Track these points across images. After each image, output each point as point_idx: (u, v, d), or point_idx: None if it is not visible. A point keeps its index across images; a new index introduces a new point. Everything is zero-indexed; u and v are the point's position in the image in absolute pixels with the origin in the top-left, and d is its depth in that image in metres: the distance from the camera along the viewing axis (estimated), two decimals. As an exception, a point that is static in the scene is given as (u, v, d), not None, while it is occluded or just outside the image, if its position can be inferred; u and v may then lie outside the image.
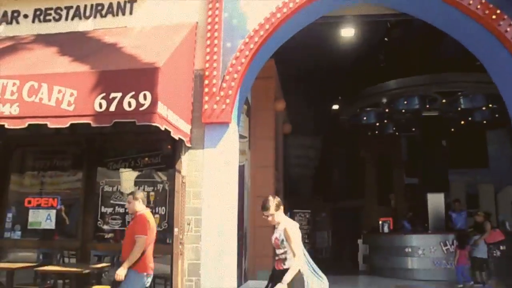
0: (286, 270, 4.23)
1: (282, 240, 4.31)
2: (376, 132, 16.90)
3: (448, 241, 10.21)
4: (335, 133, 16.92)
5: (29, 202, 7.35)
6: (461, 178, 16.23)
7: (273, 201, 4.44)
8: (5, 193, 7.49)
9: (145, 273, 5.03)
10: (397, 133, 17.34)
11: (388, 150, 18.41)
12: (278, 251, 4.37)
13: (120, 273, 4.86)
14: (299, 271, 4.25)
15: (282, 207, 4.50)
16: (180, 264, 6.21)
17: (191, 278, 6.21)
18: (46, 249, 7.06)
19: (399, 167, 18.56)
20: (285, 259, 4.31)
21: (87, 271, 5.78)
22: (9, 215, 7.45)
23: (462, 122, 15.39)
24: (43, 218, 7.26)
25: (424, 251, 10.69)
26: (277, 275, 4.31)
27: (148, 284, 5.19)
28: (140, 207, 5.27)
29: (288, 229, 4.31)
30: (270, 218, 4.42)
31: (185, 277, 6.24)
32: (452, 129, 16.13)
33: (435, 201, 11.86)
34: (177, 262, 6.20)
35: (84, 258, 6.85)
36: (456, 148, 16.86)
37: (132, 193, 5.38)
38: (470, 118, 15.08)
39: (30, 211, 7.31)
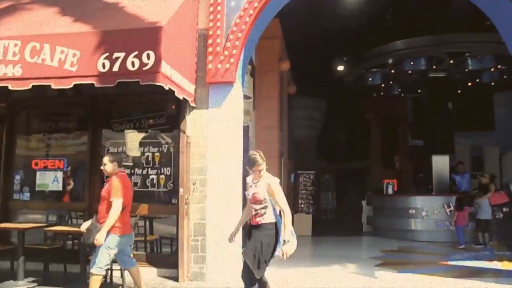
0: (263, 224, 4.31)
1: (265, 195, 4.32)
2: (382, 93, 16.76)
3: (451, 203, 10.25)
4: (340, 94, 16.82)
5: (36, 164, 7.45)
6: (467, 140, 16.18)
7: (261, 156, 4.40)
8: (12, 155, 7.58)
9: (121, 234, 5.02)
10: (402, 95, 17.20)
11: (393, 111, 18.30)
12: (257, 206, 4.37)
13: (99, 238, 4.83)
14: (276, 224, 4.33)
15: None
16: (186, 224, 6.31)
17: (196, 238, 6.32)
18: (54, 210, 7.17)
19: (404, 128, 18.50)
20: (264, 213, 4.34)
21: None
22: (17, 177, 7.57)
23: (470, 84, 15.20)
24: (50, 180, 7.36)
25: (428, 213, 10.77)
26: (253, 230, 4.39)
27: (131, 242, 5.24)
28: (116, 169, 5.21)
29: (272, 184, 4.34)
30: (261, 173, 4.39)
31: (191, 237, 6.36)
32: (459, 91, 15.96)
33: (440, 163, 11.86)
34: (182, 223, 6.29)
35: (91, 218, 6.96)
36: (462, 110, 16.73)
37: (108, 155, 5.32)
38: (477, 80, 14.88)
39: (37, 173, 7.42)
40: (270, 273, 6.87)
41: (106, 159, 5.20)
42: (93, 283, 4.92)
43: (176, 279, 6.27)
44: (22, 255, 5.99)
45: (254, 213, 4.42)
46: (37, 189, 7.42)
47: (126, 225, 5.10)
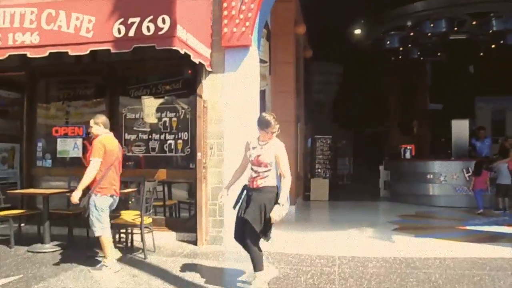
0: (266, 187, 4.27)
1: (271, 160, 4.27)
2: (400, 57, 16.39)
3: (470, 168, 10.13)
4: (358, 58, 16.50)
5: (56, 131, 7.59)
6: (488, 105, 15.84)
7: (274, 118, 4.34)
8: (33, 123, 7.73)
9: (108, 195, 5.11)
10: (422, 58, 16.77)
11: (412, 75, 17.95)
12: (260, 169, 4.30)
13: (74, 195, 4.97)
14: (277, 187, 4.29)
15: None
16: (204, 189, 6.39)
17: (214, 202, 6.39)
18: (76, 176, 7.29)
19: (423, 93, 18.17)
20: (267, 176, 4.29)
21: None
22: (39, 144, 7.73)
23: (493, 46, 14.70)
24: (70, 146, 7.50)
25: (446, 178, 10.69)
26: (253, 193, 4.32)
27: (114, 205, 5.31)
28: (101, 131, 5.28)
29: (279, 149, 4.29)
30: (275, 134, 4.33)
31: (208, 201, 6.44)
32: (481, 54, 15.49)
33: (460, 127, 11.67)
34: (200, 187, 6.37)
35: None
36: (484, 73, 16.28)
37: (93, 118, 5.36)
38: (502, 41, 14.37)
39: (58, 140, 7.56)
40: (289, 237, 7.03)
41: (91, 122, 5.32)
42: (105, 244, 5.07)
43: (194, 243, 6.40)
44: (47, 219, 6.18)
45: (254, 175, 4.36)
46: (58, 156, 7.58)
47: (112, 186, 5.18)
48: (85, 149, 7.17)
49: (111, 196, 5.16)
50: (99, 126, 5.29)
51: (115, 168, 5.25)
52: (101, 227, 5.05)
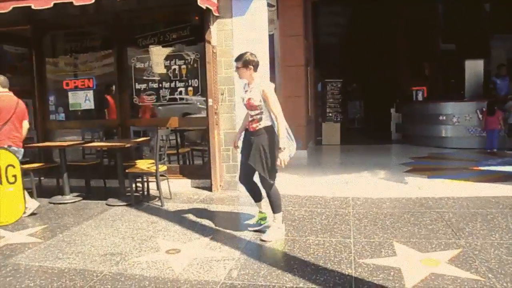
0: (261, 129, 4.25)
1: (260, 101, 4.21)
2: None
3: (484, 109, 10.00)
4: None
5: (67, 84, 7.59)
6: (503, 44, 15.34)
7: (250, 56, 4.30)
8: (43, 77, 7.72)
9: (5, 146, 5.36)
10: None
11: (422, 14, 17.37)
12: (253, 112, 4.29)
13: None
14: (273, 129, 4.24)
15: (258, 68, 4.35)
16: (216, 135, 6.42)
17: (227, 147, 6.45)
18: (89, 128, 7.39)
19: (435, 32, 17.64)
20: (261, 119, 4.26)
21: (128, 145, 6.06)
22: (51, 98, 7.77)
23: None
24: (82, 99, 7.53)
25: (459, 119, 10.57)
26: (252, 138, 4.31)
27: (19, 156, 5.48)
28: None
29: (265, 89, 4.19)
30: (241, 71, 4.31)
31: (222, 147, 6.49)
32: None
33: (473, 67, 11.40)
34: (213, 133, 6.40)
35: (124, 134, 7.18)
36: (500, 11, 15.67)
37: None
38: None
39: (69, 93, 7.59)
40: (302, 181, 7.12)
41: None
42: None
43: (209, 189, 6.52)
44: (65, 171, 6.31)
45: (250, 119, 4.35)
46: (70, 109, 7.62)
47: (9, 139, 5.48)
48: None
49: (9, 146, 5.42)
50: None
51: (12, 123, 5.53)
52: None
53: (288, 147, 4.15)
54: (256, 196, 4.63)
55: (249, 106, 4.28)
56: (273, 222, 4.41)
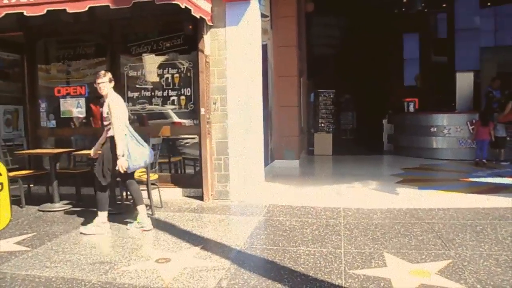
0: (108, 138, 4.94)
1: (107, 113, 4.83)
2: (403, 9, 16.01)
3: (474, 120, 10.11)
4: (360, 11, 16.14)
5: (59, 91, 7.56)
6: (493, 57, 15.53)
7: (106, 73, 4.96)
8: (35, 84, 7.69)
9: None
10: (426, 10, 16.40)
11: (416, 27, 17.62)
12: (105, 123, 4.94)
13: None
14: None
15: (113, 83, 4.99)
16: (208, 144, 6.41)
17: (219, 157, 6.45)
18: (80, 136, 7.34)
19: (427, 45, 17.86)
20: (109, 129, 4.90)
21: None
22: (43, 105, 7.72)
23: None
24: (73, 106, 7.48)
25: (450, 131, 10.67)
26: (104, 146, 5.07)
27: None
28: None
29: (110, 103, 4.82)
30: (100, 86, 4.90)
31: (213, 156, 6.48)
32: (488, 4, 15.09)
33: (464, 80, 11.53)
34: (205, 142, 6.39)
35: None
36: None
37: None
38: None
39: (61, 100, 7.54)
40: (293, 191, 7.12)
41: None
42: None
43: (200, 198, 6.49)
44: (55, 179, 6.25)
45: (106, 128, 5.00)
46: (62, 116, 7.57)
47: None
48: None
49: None
50: None
51: None
52: None
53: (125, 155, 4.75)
54: (133, 201, 5.19)
55: (103, 118, 4.95)
56: (97, 219, 4.98)
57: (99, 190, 5.00)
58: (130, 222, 5.21)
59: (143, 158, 4.96)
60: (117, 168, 4.79)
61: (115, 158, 4.78)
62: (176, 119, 7.09)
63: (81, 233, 4.92)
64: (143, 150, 4.95)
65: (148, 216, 5.62)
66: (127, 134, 4.84)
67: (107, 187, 5.03)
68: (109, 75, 4.96)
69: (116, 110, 4.80)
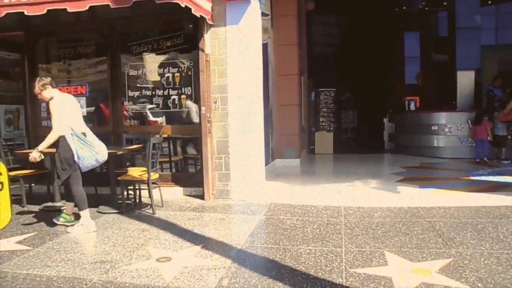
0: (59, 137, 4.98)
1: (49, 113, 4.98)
2: (404, 8, 16.00)
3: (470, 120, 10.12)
4: (361, 10, 16.13)
5: (60, 91, 7.50)
6: (494, 55, 15.51)
7: (41, 80, 5.04)
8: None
9: None
10: (426, 8, 16.38)
11: (416, 26, 17.59)
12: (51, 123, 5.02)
13: None
14: (65, 140, 4.90)
15: (49, 86, 5.03)
16: (209, 143, 6.41)
17: (220, 156, 6.45)
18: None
19: (428, 44, 17.83)
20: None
21: (120, 152, 6.03)
22: (43, 104, 7.69)
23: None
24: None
25: (451, 129, 10.66)
26: None
27: None
28: None
29: (50, 103, 4.93)
30: (40, 97, 5.10)
31: (214, 155, 6.48)
32: (489, 2, 15.06)
33: (465, 78, 11.53)
34: (206, 141, 6.39)
35: (116, 142, 7.15)
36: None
37: None
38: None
39: (62, 99, 7.50)
40: (294, 190, 7.13)
41: None
42: None
43: (201, 197, 6.49)
44: (56, 178, 6.24)
45: None
46: (63, 115, 7.56)
47: None
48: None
49: None
50: None
51: None
52: None
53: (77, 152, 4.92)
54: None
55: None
56: (81, 219, 5.09)
57: (73, 189, 5.10)
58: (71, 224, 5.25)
59: (93, 157, 5.03)
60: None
61: (64, 156, 4.95)
62: (151, 118, 7.16)
63: (67, 232, 5.00)
64: (91, 149, 5.01)
65: (149, 215, 5.67)
66: (72, 133, 4.93)
67: (76, 185, 5.13)
68: (41, 83, 5.02)
69: (55, 112, 4.91)
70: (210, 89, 6.38)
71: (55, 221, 5.30)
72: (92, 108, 7.59)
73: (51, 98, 5.00)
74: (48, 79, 5.10)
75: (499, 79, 11.00)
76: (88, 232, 4.98)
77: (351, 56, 17.18)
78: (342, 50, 18.06)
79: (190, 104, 6.94)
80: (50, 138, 4.89)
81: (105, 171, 6.87)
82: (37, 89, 5.00)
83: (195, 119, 6.92)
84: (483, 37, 15.65)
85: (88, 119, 7.46)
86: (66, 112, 4.96)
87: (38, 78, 5.14)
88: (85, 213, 5.08)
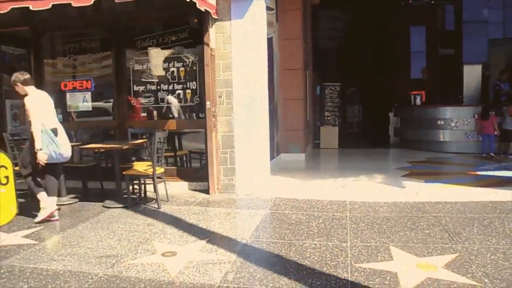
0: (31, 133, 5.06)
1: (26, 110, 5.07)
2: (410, 1, 15.87)
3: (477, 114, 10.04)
4: (367, 4, 16.02)
5: (65, 85, 7.57)
6: (502, 49, 15.39)
7: (19, 75, 5.16)
8: (41, 78, 7.68)
9: None
10: (432, 2, 16.25)
11: (422, 20, 17.46)
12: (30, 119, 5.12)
13: None
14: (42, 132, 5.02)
15: (29, 82, 5.21)
16: (214, 137, 6.41)
17: (225, 150, 6.45)
18: (86, 130, 7.36)
19: (434, 38, 17.70)
20: (31, 125, 5.11)
21: (126, 146, 6.04)
22: (49, 99, 7.72)
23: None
24: (79, 100, 7.50)
25: (457, 124, 10.58)
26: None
27: None
28: None
29: (25, 100, 5.08)
30: (16, 88, 5.18)
31: (219, 149, 6.48)
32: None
33: (472, 72, 11.43)
34: (211, 136, 6.39)
35: (122, 136, 7.16)
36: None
37: None
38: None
39: (67, 94, 7.55)
40: (299, 184, 7.12)
41: None
42: None
43: (206, 191, 6.50)
44: (62, 173, 6.26)
45: None
46: (68, 110, 7.59)
47: None
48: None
49: None
50: None
51: None
52: None
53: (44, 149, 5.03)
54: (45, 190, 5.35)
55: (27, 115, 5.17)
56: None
57: (49, 176, 5.29)
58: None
59: (57, 154, 5.17)
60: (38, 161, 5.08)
61: (34, 151, 5.06)
62: (175, 114, 7.11)
63: (36, 222, 5.16)
64: (54, 146, 5.14)
65: (155, 210, 5.68)
66: (43, 130, 5.06)
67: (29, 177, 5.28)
68: (23, 77, 5.16)
69: (31, 107, 5.04)
70: (215, 84, 6.37)
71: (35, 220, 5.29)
72: (110, 101, 7.60)
73: (26, 95, 5.14)
74: (28, 76, 5.25)
75: (506, 73, 10.90)
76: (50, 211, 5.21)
77: (356, 51, 17.08)
78: (348, 44, 17.94)
79: (171, 99, 7.00)
80: (37, 134, 5.01)
81: (110, 165, 6.91)
82: (16, 80, 5.12)
83: (175, 113, 7.03)
84: (490, 31, 15.53)
85: (93, 113, 7.54)
86: (39, 109, 5.11)
87: (21, 71, 5.27)
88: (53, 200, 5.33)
